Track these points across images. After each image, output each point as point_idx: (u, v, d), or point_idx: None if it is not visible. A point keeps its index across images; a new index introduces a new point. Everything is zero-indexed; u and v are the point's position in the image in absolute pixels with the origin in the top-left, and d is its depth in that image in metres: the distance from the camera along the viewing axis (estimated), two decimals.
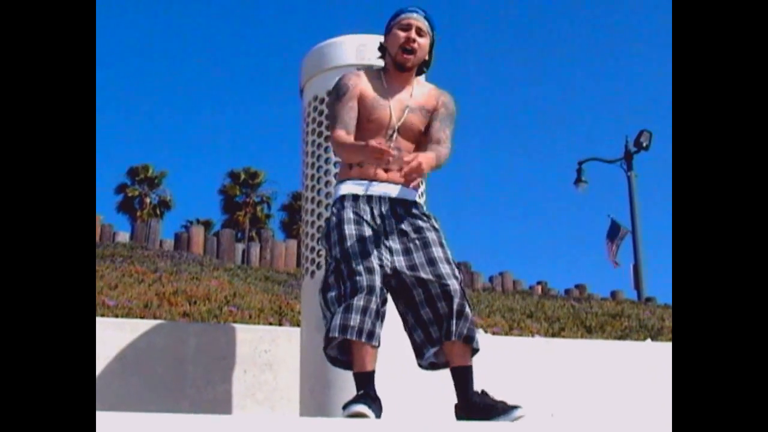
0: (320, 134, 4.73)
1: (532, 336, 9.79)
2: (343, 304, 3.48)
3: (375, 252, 3.58)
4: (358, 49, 4.78)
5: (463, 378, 3.58)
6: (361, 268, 3.52)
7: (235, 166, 46.49)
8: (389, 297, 3.66)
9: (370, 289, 3.47)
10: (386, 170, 3.77)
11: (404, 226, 3.72)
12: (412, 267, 3.62)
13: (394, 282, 3.64)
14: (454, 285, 3.57)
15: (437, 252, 3.66)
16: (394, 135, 3.81)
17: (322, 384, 4.31)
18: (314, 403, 4.35)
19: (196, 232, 25.05)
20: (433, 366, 3.73)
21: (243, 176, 44.96)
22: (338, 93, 3.89)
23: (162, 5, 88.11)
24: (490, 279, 26.44)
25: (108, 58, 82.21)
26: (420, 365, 3.75)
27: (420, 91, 3.94)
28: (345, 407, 3.34)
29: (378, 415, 3.34)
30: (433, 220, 3.81)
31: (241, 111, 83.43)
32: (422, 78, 4.08)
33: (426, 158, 3.60)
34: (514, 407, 3.38)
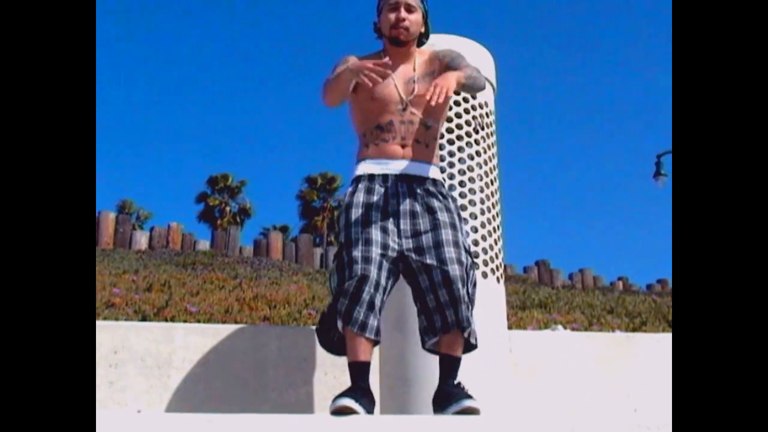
0: None
1: (613, 331, 9.71)
2: (338, 291, 3.51)
3: (379, 238, 3.55)
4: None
5: (445, 367, 3.54)
6: (359, 255, 3.50)
7: (311, 172, 46.85)
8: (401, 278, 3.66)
9: (363, 278, 3.45)
10: (403, 146, 3.75)
11: (417, 207, 3.67)
12: (419, 250, 3.57)
13: (402, 266, 3.61)
14: (453, 270, 3.51)
15: (445, 234, 3.60)
16: (407, 108, 3.78)
17: (402, 382, 4.32)
18: (394, 401, 4.37)
19: (274, 238, 25.30)
20: (433, 352, 3.70)
21: (320, 181, 45.26)
22: (336, 64, 3.88)
23: (232, 18, 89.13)
24: (570, 276, 26.21)
25: (189, 72, 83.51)
26: (423, 347, 3.72)
27: (421, 60, 3.92)
28: (333, 401, 3.30)
29: (369, 410, 3.31)
30: (449, 200, 3.75)
31: (316, 116, 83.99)
32: (422, 48, 4.04)
33: (454, 75, 3.60)
34: (467, 397, 3.34)
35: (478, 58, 4.71)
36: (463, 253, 3.60)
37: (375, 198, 3.67)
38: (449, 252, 3.56)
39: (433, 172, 3.80)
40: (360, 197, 3.69)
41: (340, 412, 3.21)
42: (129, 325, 5.61)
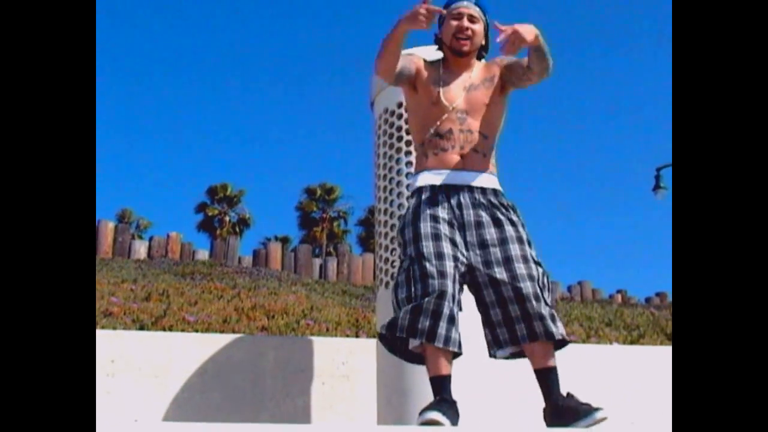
0: (392, 146, 4.76)
1: (610, 344, 9.71)
2: (412, 305, 3.44)
3: (449, 251, 3.53)
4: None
5: (546, 380, 3.51)
6: (434, 270, 3.47)
7: (311, 182, 46.84)
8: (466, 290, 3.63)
9: (442, 294, 3.42)
10: (461, 155, 3.72)
11: (483, 218, 3.64)
12: (487, 264, 3.55)
13: (469, 278, 3.58)
14: (527, 288, 3.49)
15: (513, 250, 3.57)
16: (466, 116, 3.76)
17: (399, 393, 4.33)
18: (392, 412, 4.37)
19: (273, 248, 25.32)
20: (506, 358, 3.69)
21: (319, 192, 45.24)
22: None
23: (234, 24, 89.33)
24: (569, 288, 26.22)
25: (190, 82, 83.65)
26: (493, 357, 3.69)
27: (478, 68, 3.90)
28: (420, 413, 3.30)
29: (454, 421, 3.30)
30: (512, 213, 3.71)
31: (315, 127, 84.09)
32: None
33: (533, 28, 3.55)
34: (596, 409, 3.31)
35: None
36: (532, 266, 3.57)
37: (440, 210, 3.63)
38: (519, 268, 3.54)
39: (494, 182, 3.78)
40: (425, 209, 3.65)
41: (427, 424, 3.23)
42: (127, 335, 5.62)
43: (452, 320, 3.43)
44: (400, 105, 4.78)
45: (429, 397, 3.59)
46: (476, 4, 3.90)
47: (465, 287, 3.61)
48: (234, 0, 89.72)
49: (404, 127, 4.74)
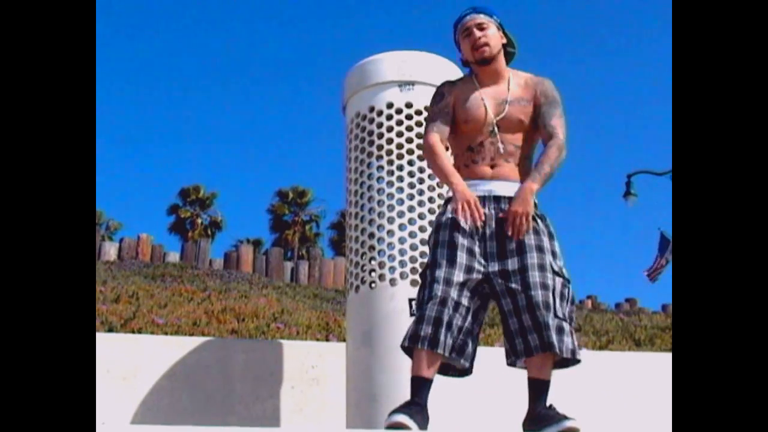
0: (363, 150, 4.76)
1: (580, 349, 9.73)
2: (418, 314, 3.51)
3: (464, 261, 3.55)
4: (399, 66, 4.82)
5: (534, 390, 3.54)
6: (441, 276, 3.51)
7: (283, 185, 46.74)
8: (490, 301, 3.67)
9: (443, 300, 3.46)
10: (492, 166, 3.75)
11: (506, 229, 3.64)
12: (504, 273, 3.57)
13: (488, 288, 3.61)
14: (537, 296, 3.49)
15: (530, 258, 3.58)
16: (495, 130, 3.77)
17: (368, 398, 4.33)
18: (360, 417, 4.37)
19: (245, 251, 25.27)
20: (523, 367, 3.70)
21: (291, 195, 45.15)
22: (434, 99, 3.92)
23: (205, 27, 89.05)
24: None
25: (159, 82, 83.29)
26: (512, 366, 3.72)
27: (516, 83, 3.90)
28: (388, 415, 3.32)
29: (422, 425, 3.31)
30: (538, 222, 3.69)
31: (288, 130, 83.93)
32: (518, 70, 4.02)
33: (529, 193, 3.64)
34: (567, 418, 3.35)
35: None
36: (548, 275, 3.57)
37: (462, 220, 3.64)
38: (533, 276, 3.54)
39: None
40: (449, 219, 3.66)
41: (393, 427, 3.24)
42: (95, 336, 5.58)
43: (449, 326, 3.46)
44: (371, 109, 4.78)
45: (397, 402, 3.60)
46: (479, 12, 3.92)
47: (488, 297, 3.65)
48: (206, 3, 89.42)
49: (376, 131, 4.74)
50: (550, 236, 3.70)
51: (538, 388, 3.54)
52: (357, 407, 4.48)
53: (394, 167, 4.69)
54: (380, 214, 4.64)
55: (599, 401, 5.66)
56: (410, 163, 4.67)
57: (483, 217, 3.60)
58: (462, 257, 3.56)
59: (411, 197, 4.62)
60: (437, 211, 4.46)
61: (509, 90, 3.86)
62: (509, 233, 3.59)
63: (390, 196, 4.65)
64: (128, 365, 5.17)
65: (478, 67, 3.90)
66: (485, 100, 3.81)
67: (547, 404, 3.50)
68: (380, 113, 4.76)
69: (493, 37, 3.88)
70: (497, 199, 3.71)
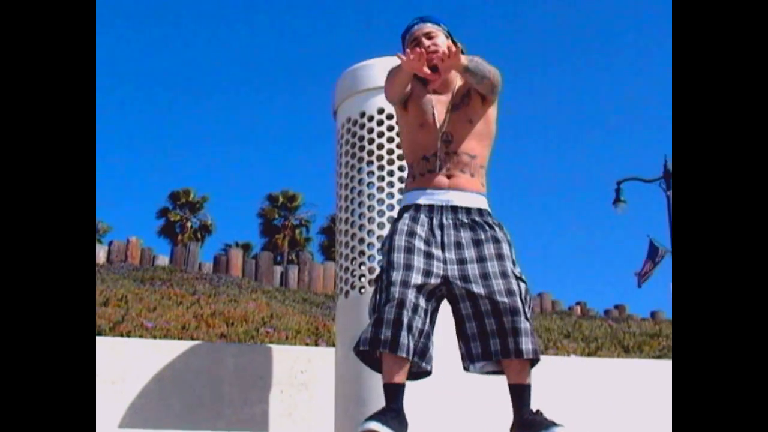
0: (354, 155, 4.78)
1: (568, 356, 9.79)
2: (374, 316, 3.47)
3: (422, 264, 3.53)
4: (389, 71, 4.83)
5: (517, 396, 3.52)
6: (398, 279, 3.47)
7: (273, 190, 46.74)
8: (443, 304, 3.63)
9: (401, 302, 3.42)
10: (449, 176, 3.73)
11: (463, 238, 3.64)
12: (465, 278, 3.55)
13: (445, 291, 3.58)
14: (504, 303, 3.48)
15: (492, 267, 3.57)
16: (448, 138, 3.76)
17: (357, 402, 4.33)
18: (349, 421, 4.38)
19: (234, 255, 25.23)
20: (481, 373, 3.69)
21: (281, 199, 45.16)
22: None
23: (196, 30, 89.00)
24: None
25: (150, 85, 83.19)
26: (466, 370, 3.70)
27: (458, 84, 3.89)
28: (363, 423, 3.31)
29: (399, 430, 3.31)
30: (497, 230, 3.69)
31: (278, 134, 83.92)
32: None
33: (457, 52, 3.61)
34: (556, 425, 3.35)
35: None
36: (512, 281, 3.56)
37: (419, 227, 3.64)
38: (497, 284, 3.52)
39: (479, 202, 3.77)
40: (405, 225, 3.65)
41: None
42: None
43: (410, 328, 3.42)
44: (362, 114, 4.80)
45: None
46: (425, 21, 3.92)
47: (444, 301, 3.62)
48: (197, 6, 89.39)
49: (366, 136, 4.76)
50: (509, 244, 3.70)
51: (520, 394, 3.53)
52: (345, 412, 4.48)
53: (384, 172, 4.70)
54: (370, 219, 4.65)
55: (588, 407, 5.68)
56: (401, 168, 4.68)
57: (425, 54, 3.62)
58: (420, 261, 3.54)
59: (401, 202, 4.63)
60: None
61: (455, 94, 3.86)
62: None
63: (380, 201, 4.67)
64: (117, 369, 5.17)
65: (432, 77, 3.82)
66: (435, 107, 3.81)
67: (534, 409, 3.51)
68: (371, 118, 4.77)
69: (441, 45, 3.83)
70: (454, 209, 3.70)
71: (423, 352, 3.49)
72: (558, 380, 5.71)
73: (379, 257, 4.58)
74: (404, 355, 3.41)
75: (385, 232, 4.58)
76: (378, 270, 3.77)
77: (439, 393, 4.21)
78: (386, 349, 3.40)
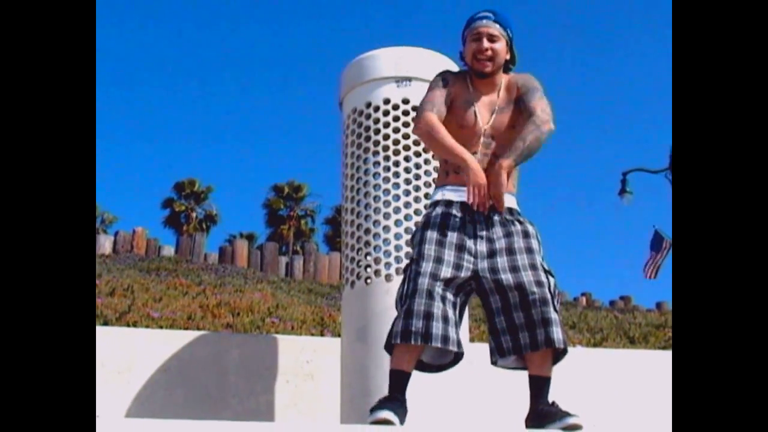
0: (359, 146, 4.78)
1: (574, 346, 9.79)
2: (404, 308, 3.47)
3: (452, 258, 3.54)
4: (396, 62, 4.83)
5: (536, 387, 3.54)
6: (428, 270, 3.48)
7: (279, 180, 46.70)
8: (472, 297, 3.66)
9: (429, 293, 3.43)
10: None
11: (494, 233, 3.64)
12: (494, 271, 3.55)
13: (475, 285, 3.59)
14: (533, 294, 3.50)
15: (521, 259, 3.58)
16: (487, 141, 3.75)
17: (363, 393, 4.34)
18: (354, 412, 4.38)
19: (240, 245, 25.23)
20: (506, 367, 3.71)
21: (287, 190, 45.13)
22: (436, 82, 3.85)
23: (201, 22, 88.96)
24: None
25: (154, 76, 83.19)
26: (494, 365, 3.71)
27: (503, 88, 3.86)
28: (372, 411, 3.33)
29: (402, 421, 3.33)
30: (527, 225, 3.71)
31: (284, 124, 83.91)
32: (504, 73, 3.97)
33: (502, 171, 3.61)
34: (570, 414, 3.36)
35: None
36: (541, 274, 3.57)
37: (451, 221, 3.64)
38: (527, 276, 3.54)
39: (510, 201, 3.77)
40: (438, 218, 3.66)
41: (378, 423, 3.25)
42: None
43: (440, 318, 3.43)
44: (368, 105, 4.79)
45: None
46: (496, 21, 3.84)
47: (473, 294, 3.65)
48: None
49: (372, 127, 4.76)
50: (538, 240, 3.71)
51: (539, 386, 3.55)
52: (351, 402, 4.49)
53: (390, 163, 4.70)
54: (376, 210, 4.65)
55: (593, 398, 5.68)
56: (407, 159, 4.68)
57: (486, 207, 3.61)
58: (450, 255, 3.55)
59: (407, 193, 4.64)
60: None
61: (499, 97, 3.83)
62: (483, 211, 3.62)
63: (386, 191, 4.67)
64: (123, 359, 5.17)
65: (475, 77, 3.85)
66: (477, 108, 3.79)
67: (550, 401, 3.51)
68: (377, 109, 4.77)
69: (499, 52, 3.82)
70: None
71: (446, 337, 3.45)
72: (564, 371, 5.70)
73: (384, 248, 4.59)
74: (439, 345, 3.42)
75: (390, 222, 4.59)
76: (405, 261, 3.78)
77: (444, 386, 4.21)
78: (419, 341, 3.40)
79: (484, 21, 3.84)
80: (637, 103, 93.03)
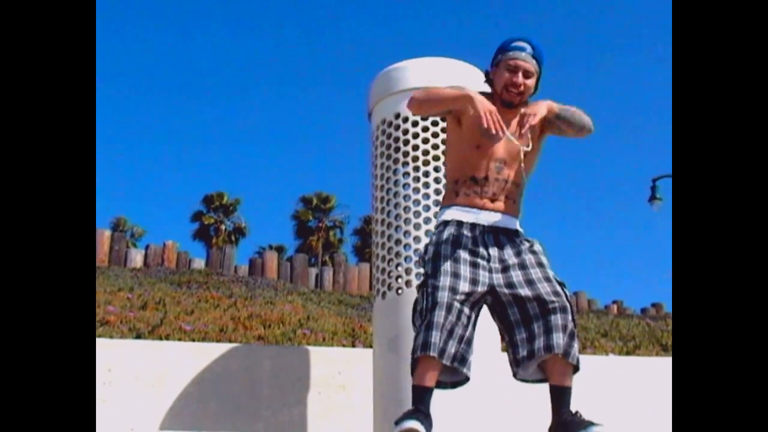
0: (389, 157, 4.78)
1: (606, 355, 9.74)
2: (424, 321, 3.48)
3: (467, 273, 3.56)
4: (425, 73, 4.83)
5: (558, 397, 3.55)
6: (446, 284, 3.50)
7: (307, 191, 46.80)
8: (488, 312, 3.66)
9: (449, 307, 3.45)
10: (493, 200, 3.74)
11: (504, 252, 3.67)
12: (510, 285, 3.58)
13: (490, 299, 3.61)
14: (553, 303, 3.53)
15: (535, 273, 3.61)
16: (499, 165, 3.75)
17: (395, 404, 4.33)
18: (387, 423, 4.37)
19: (269, 257, 25.29)
20: (525, 381, 3.70)
21: (315, 201, 45.22)
22: (461, 89, 3.81)
23: (230, 32, 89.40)
24: None
25: (183, 88, 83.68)
26: (514, 377, 3.71)
27: (519, 115, 3.78)
28: (397, 423, 3.34)
29: (429, 431, 3.33)
30: (534, 243, 3.74)
31: (311, 136, 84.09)
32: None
33: (545, 103, 3.66)
34: (595, 424, 3.36)
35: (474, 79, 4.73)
36: (557, 285, 3.60)
37: (463, 240, 3.66)
38: (543, 287, 3.57)
39: (516, 224, 3.81)
40: (449, 237, 3.68)
41: None
42: (124, 343, 5.63)
43: (451, 334, 3.45)
44: (397, 116, 4.80)
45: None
46: (534, 56, 3.81)
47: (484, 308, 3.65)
48: (230, 7, 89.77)
49: (401, 137, 4.76)
50: (546, 256, 3.74)
51: (561, 395, 3.55)
52: (384, 413, 4.48)
53: (420, 173, 4.71)
54: (406, 220, 4.66)
55: (627, 407, 5.65)
56: (436, 169, 4.69)
57: (503, 132, 3.59)
58: (466, 270, 3.57)
59: (437, 203, 4.63)
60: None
61: (516, 123, 3.80)
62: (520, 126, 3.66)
63: (416, 202, 4.67)
64: (156, 372, 5.20)
65: (500, 105, 3.79)
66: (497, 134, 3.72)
67: (573, 411, 3.51)
68: (406, 120, 4.78)
69: (530, 89, 3.83)
70: (495, 229, 3.72)
71: (463, 358, 3.50)
72: (597, 380, 5.68)
73: (415, 258, 4.59)
74: (448, 363, 3.44)
75: (421, 232, 4.59)
76: (421, 275, 3.77)
77: (469, 397, 4.20)
78: (435, 353, 3.41)
79: (523, 54, 3.81)
80: (668, 108, 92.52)
